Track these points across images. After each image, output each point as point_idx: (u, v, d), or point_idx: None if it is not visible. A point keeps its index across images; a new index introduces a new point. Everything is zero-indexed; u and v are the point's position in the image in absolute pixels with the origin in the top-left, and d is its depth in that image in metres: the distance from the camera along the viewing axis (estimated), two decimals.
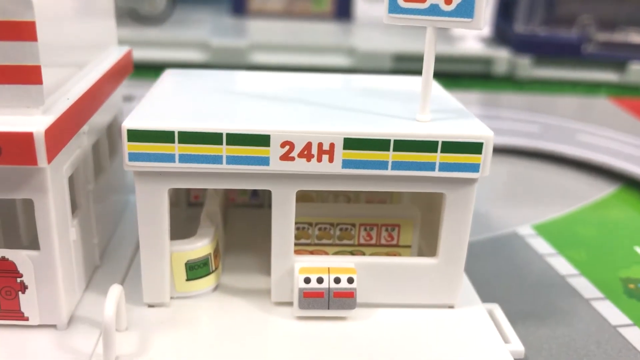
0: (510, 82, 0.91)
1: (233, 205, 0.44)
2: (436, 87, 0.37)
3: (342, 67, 0.87)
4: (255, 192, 0.44)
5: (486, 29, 0.96)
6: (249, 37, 0.89)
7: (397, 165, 0.30)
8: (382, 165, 0.30)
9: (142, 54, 0.81)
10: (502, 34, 0.96)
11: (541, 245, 0.46)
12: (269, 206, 0.43)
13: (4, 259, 0.29)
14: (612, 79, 0.91)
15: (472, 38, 0.94)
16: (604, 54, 0.91)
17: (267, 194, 0.43)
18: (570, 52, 0.91)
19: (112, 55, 0.38)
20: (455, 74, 0.88)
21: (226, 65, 0.83)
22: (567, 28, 0.92)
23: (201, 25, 0.97)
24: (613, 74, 0.92)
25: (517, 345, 0.32)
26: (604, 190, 0.57)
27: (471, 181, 0.31)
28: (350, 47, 0.88)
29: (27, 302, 0.30)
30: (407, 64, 0.86)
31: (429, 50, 0.30)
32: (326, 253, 0.35)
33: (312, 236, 0.35)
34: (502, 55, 0.90)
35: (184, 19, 0.99)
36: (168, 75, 0.38)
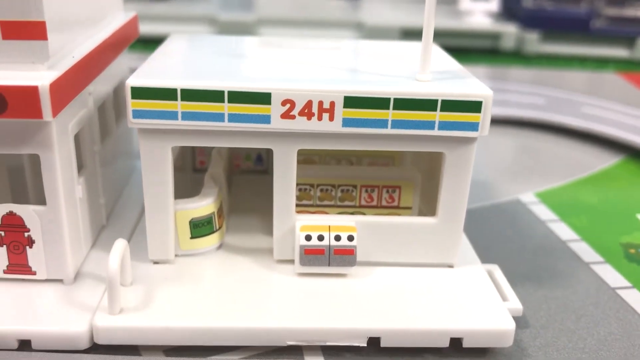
0: (518, 57, 0.90)
1: (238, 171, 0.44)
2: (437, 50, 0.38)
3: None
4: (259, 158, 0.44)
5: (494, 4, 0.95)
6: (257, 11, 0.89)
7: (397, 124, 0.31)
8: (382, 123, 0.31)
9: (149, 29, 0.81)
10: (510, 9, 0.95)
11: (543, 212, 0.46)
12: None
13: (11, 213, 0.30)
14: (621, 54, 0.91)
15: (480, 13, 0.94)
16: (613, 29, 0.90)
17: (271, 160, 0.44)
18: (578, 27, 0.90)
19: (118, 19, 0.39)
20: (463, 49, 0.88)
21: None
22: (575, 3, 0.92)
23: None
24: (622, 50, 0.91)
25: (516, 304, 0.33)
26: (608, 160, 0.57)
27: (470, 140, 0.31)
28: (358, 21, 0.88)
29: (35, 256, 0.31)
30: (415, 39, 0.86)
31: (430, 6, 0.30)
32: (327, 214, 0.36)
33: (313, 197, 0.35)
34: (510, 30, 0.90)
35: None
36: (173, 38, 0.39)
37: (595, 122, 0.64)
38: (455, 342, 0.30)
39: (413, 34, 0.87)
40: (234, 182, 0.43)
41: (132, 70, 0.45)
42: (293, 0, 0.99)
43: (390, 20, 0.88)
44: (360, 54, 0.37)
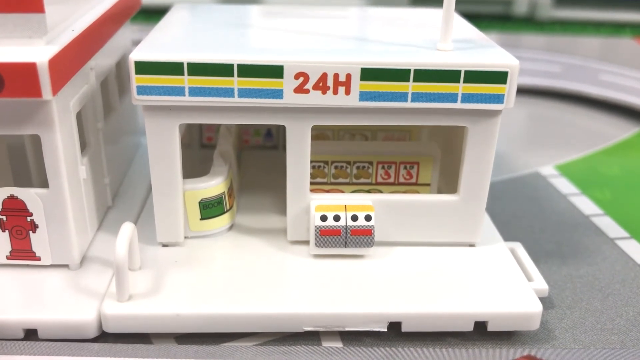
0: (531, 23, 0.88)
1: (247, 147, 0.43)
2: (458, 19, 0.36)
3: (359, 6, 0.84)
4: (269, 133, 0.43)
5: None
6: None
7: (417, 97, 0.29)
8: (402, 97, 0.29)
9: None
10: None
11: (564, 185, 0.44)
12: (284, 147, 0.42)
13: (12, 197, 0.29)
14: (637, 19, 0.88)
15: None
16: None
17: (282, 135, 0.42)
18: None
19: None
20: (474, 15, 0.85)
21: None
22: None
23: None
24: (639, 14, 0.88)
25: (541, 284, 0.31)
26: (628, 130, 0.55)
27: (495, 113, 0.30)
28: None
29: (39, 241, 0.29)
30: (425, 5, 0.84)
31: None
32: (343, 192, 0.34)
33: (328, 175, 0.34)
34: None
35: None
36: (177, 9, 0.37)
37: (613, 89, 0.62)
38: (479, 325, 0.29)
39: (422, 0, 0.85)
40: (243, 158, 0.41)
41: (135, 43, 0.43)
42: None
43: None
44: (374, 23, 0.35)
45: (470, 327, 0.29)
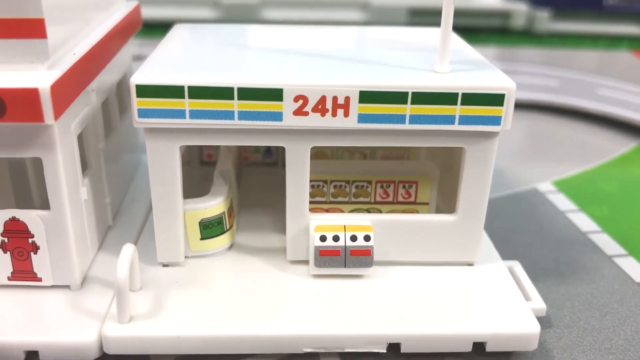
0: (529, 36, 0.88)
1: (246, 164, 0.43)
2: (455, 38, 0.36)
3: (356, 22, 0.85)
4: (268, 150, 0.43)
5: None
6: None
7: (415, 119, 0.29)
8: (400, 119, 0.29)
9: (151, 12, 0.79)
10: None
11: (562, 202, 0.44)
12: (283, 164, 0.42)
13: (14, 219, 0.29)
14: (635, 32, 0.89)
15: None
16: (626, 6, 0.88)
17: (281, 152, 0.42)
18: (591, 4, 0.88)
19: (120, 11, 0.37)
20: (472, 28, 0.86)
21: (237, 22, 0.81)
22: None
23: None
24: (636, 27, 0.89)
25: (539, 303, 0.31)
26: (626, 145, 0.55)
27: (492, 134, 0.30)
28: (364, 1, 0.86)
29: (40, 262, 0.30)
30: (423, 19, 0.84)
31: None
32: (342, 211, 0.34)
33: (327, 194, 0.34)
34: (520, 9, 0.88)
35: None
36: (177, 29, 0.37)
37: (611, 104, 0.62)
38: (478, 346, 0.29)
39: (421, 14, 0.85)
40: (242, 175, 0.42)
41: (135, 58, 0.43)
42: None
43: (397, 0, 0.86)
44: (372, 44, 0.35)
45: (469, 348, 0.29)
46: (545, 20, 0.88)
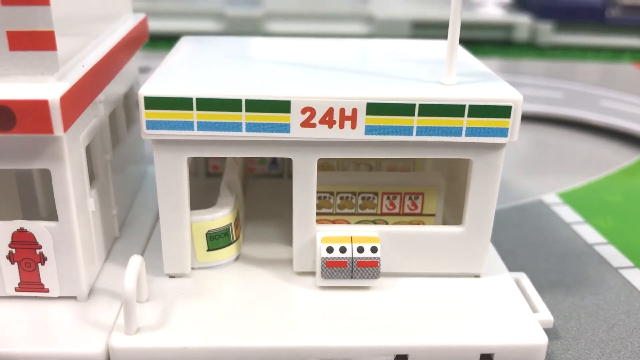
0: (532, 48, 0.89)
1: (252, 175, 0.43)
2: (461, 51, 0.36)
3: (360, 35, 0.85)
4: (274, 162, 0.43)
5: None
6: (264, 6, 0.88)
7: (422, 131, 0.29)
8: (407, 130, 0.29)
9: (156, 25, 0.80)
10: None
11: (567, 214, 0.44)
12: (289, 176, 0.42)
13: (22, 230, 0.29)
14: (637, 44, 0.89)
15: (492, 3, 0.92)
16: (629, 18, 0.89)
17: (287, 164, 0.43)
18: (593, 16, 0.89)
19: (127, 23, 0.38)
20: (475, 41, 0.87)
21: (242, 35, 0.82)
22: None
23: None
24: (638, 39, 0.89)
25: (546, 315, 0.31)
26: (629, 157, 0.55)
27: (499, 146, 0.30)
28: (368, 14, 0.86)
29: (47, 273, 0.30)
30: (427, 31, 0.85)
31: (455, 8, 0.29)
32: (348, 222, 0.34)
33: (333, 205, 0.34)
34: (523, 21, 0.88)
35: None
36: (184, 42, 0.38)
37: (615, 116, 0.62)
38: (486, 358, 0.29)
39: (424, 27, 0.86)
40: (248, 187, 0.42)
41: (141, 70, 0.44)
42: None
43: (400, 13, 0.87)
44: (378, 56, 0.36)
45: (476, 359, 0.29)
46: (548, 33, 0.88)
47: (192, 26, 0.84)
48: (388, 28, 0.85)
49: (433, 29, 0.84)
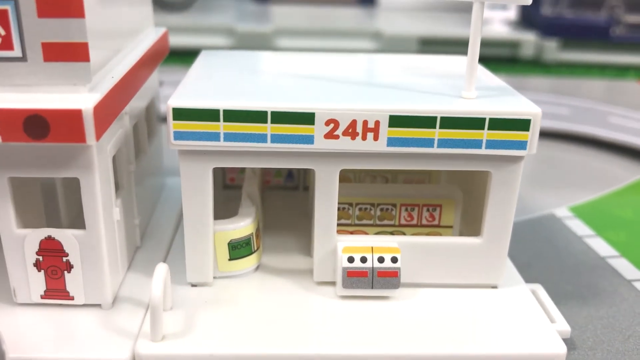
0: (537, 65, 0.90)
1: (268, 187, 0.44)
2: (478, 67, 0.37)
3: (368, 51, 0.86)
4: (290, 174, 0.44)
5: (513, 12, 0.94)
6: (274, 22, 0.89)
7: (443, 143, 0.30)
8: (428, 142, 0.30)
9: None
10: (528, 17, 0.94)
11: (579, 227, 0.45)
12: (304, 188, 0.43)
13: (50, 238, 0.29)
14: None
15: (498, 21, 0.93)
16: (633, 36, 0.90)
17: (302, 176, 0.43)
18: (598, 34, 0.90)
19: (150, 37, 0.38)
20: (481, 58, 0.87)
21: (252, 50, 0.83)
22: (595, 10, 0.91)
23: (225, 11, 0.96)
24: None
25: (563, 325, 0.32)
26: (637, 172, 0.56)
27: (518, 159, 0.31)
28: (376, 31, 0.87)
29: (73, 281, 0.30)
30: (434, 48, 0.85)
31: (475, 25, 0.29)
32: (366, 233, 0.35)
33: (352, 216, 0.35)
34: (528, 39, 0.89)
35: (208, 5, 0.99)
36: (205, 55, 0.38)
37: (622, 132, 0.63)
38: None
39: (431, 43, 0.87)
40: (264, 199, 0.42)
41: (161, 84, 0.44)
42: (309, 11, 0.99)
43: (408, 30, 0.88)
44: (397, 70, 0.36)
45: None
46: (553, 50, 0.89)
47: (203, 41, 0.84)
48: (396, 44, 0.86)
49: (440, 46, 0.85)
